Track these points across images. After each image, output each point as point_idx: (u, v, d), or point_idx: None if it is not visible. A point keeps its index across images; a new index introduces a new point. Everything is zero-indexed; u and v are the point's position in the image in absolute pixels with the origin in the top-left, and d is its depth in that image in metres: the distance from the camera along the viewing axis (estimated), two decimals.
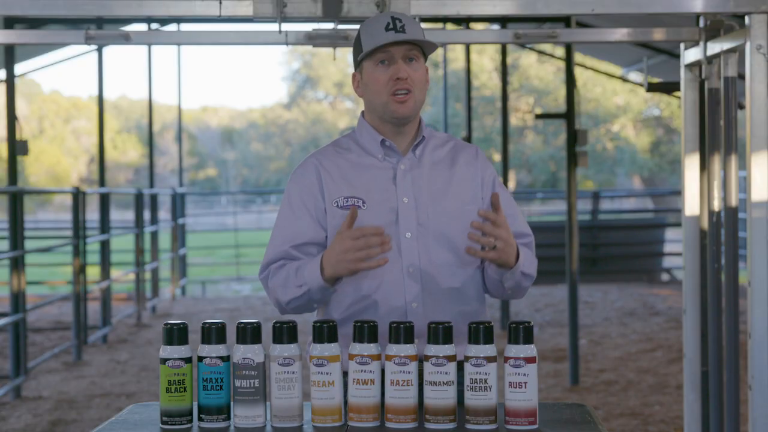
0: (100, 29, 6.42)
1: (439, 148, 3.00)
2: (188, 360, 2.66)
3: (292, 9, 3.87)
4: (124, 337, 10.85)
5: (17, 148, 8.18)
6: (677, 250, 16.46)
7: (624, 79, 12.68)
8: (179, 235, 15.48)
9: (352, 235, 2.74)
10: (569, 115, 8.28)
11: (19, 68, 11.00)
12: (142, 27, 11.16)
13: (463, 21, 10.41)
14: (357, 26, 3.93)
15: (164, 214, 26.67)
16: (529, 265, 2.90)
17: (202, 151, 49.10)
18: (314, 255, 2.89)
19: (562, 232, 10.22)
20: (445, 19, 10.20)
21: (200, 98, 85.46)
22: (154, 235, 13.37)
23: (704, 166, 4.81)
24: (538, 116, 9.48)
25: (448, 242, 2.89)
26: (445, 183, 2.94)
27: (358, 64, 2.94)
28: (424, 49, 2.92)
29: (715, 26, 4.50)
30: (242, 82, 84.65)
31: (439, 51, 24.97)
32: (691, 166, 4.90)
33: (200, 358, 2.64)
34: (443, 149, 3.00)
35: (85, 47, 10.64)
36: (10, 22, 8.24)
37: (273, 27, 6.92)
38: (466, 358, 2.60)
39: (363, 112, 3.01)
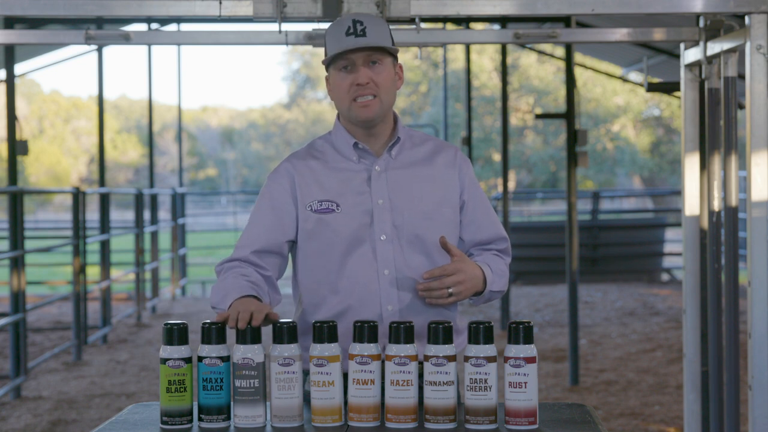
0: (100, 29, 6.42)
1: (416, 147, 2.96)
2: (188, 360, 2.66)
3: (292, 9, 3.87)
4: (124, 337, 10.84)
5: (17, 148, 8.18)
6: (677, 250, 16.47)
7: (624, 79, 12.67)
8: (179, 235, 15.47)
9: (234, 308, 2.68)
10: (569, 115, 8.27)
11: (19, 68, 11.00)
12: (142, 27, 11.16)
13: (463, 21, 10.41)
14: None
15: (164, 214, 26.68)
16: (499, 280, 2.88)
17: (202, 151, 49.12)
18: (271, 261, 2.89)
19: (562, 232, 10.23)
20: (445, 19, 10.19)
21: (200, 98, 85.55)
22: (154, 235, 13.36)
23: (704, 166, 4.81)
24: (538, 116, 9.47)
25: (422, 244, 2.87)
26: (422, 184, 2.91)
27: (327, 68, 2.91)
28: (388, 49, 2.87)
29: (715, 26, 4.50)
30: (242, 82, 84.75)
31: (439, 51, 24.96)
32: (691, 166, 4.90)
33: (200, 358, 2.65)
34: (421, 149, 2.96)
35: (85, 47, 10.63)
36: (10, 22, 8.24)
37: (273, 27, 6.93)
38: (466, 358, 2.60)
39: (338, 115, 2.97)
